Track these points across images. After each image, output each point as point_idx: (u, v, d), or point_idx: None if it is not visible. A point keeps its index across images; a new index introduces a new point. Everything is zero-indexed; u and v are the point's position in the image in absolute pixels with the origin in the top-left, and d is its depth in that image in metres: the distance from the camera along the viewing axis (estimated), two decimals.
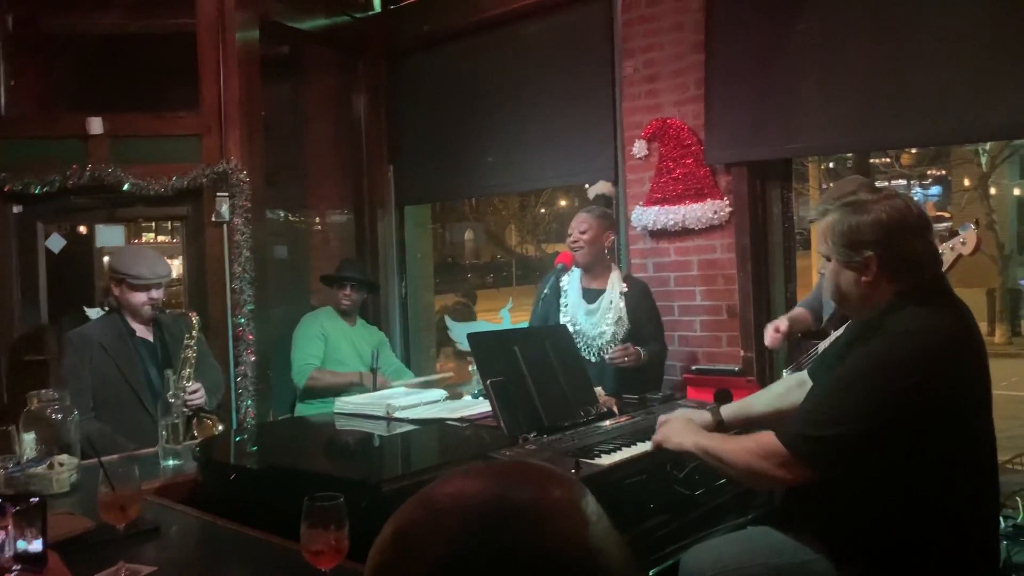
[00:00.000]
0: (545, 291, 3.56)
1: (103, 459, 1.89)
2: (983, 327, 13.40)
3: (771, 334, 3.10)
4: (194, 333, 3.31)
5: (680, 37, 4.00)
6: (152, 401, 3.25)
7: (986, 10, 3.18)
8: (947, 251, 2.45)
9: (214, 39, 4.44)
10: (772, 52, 3.68)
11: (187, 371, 3.23)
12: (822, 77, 3.57)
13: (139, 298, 3.31)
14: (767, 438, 1.83)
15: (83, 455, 2.47)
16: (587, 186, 4.11)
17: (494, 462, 0.91)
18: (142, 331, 3.38)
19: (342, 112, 5.51)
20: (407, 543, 0.70)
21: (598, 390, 2.88)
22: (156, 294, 3.33)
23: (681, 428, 2.10)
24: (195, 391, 3.22)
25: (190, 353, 3.26)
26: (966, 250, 2.48)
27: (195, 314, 3.41)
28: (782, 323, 3.10)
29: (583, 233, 3.52)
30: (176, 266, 4.94)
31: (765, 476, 1.84)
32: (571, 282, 3.61)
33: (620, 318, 3.50)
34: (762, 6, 3.72)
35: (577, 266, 3.58)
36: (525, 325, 4.17)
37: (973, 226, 2.50)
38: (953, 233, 2.51)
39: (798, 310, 3.26)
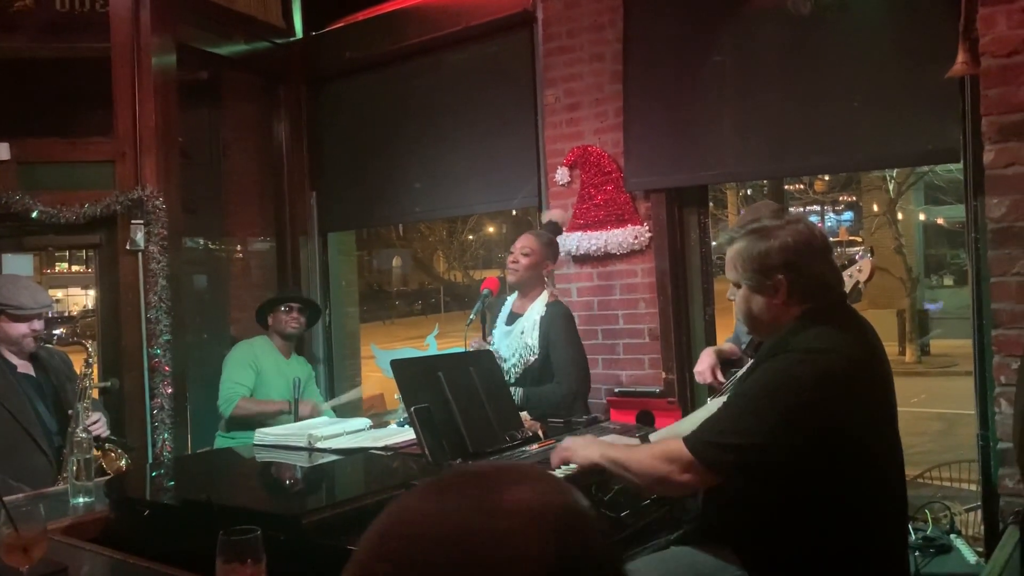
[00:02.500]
0: (471, 318, 3.57)
1: (5, 499, 1.81)
2: (894, 347, 14.01)
3: (706, 375, 3.11)
4: (90, 361, 3.15)
5: (599, 67, 4.09)
6: (46, 440, 3.07)
7: (887, 48, 3.35)
8: (846, 278, 2.55)
9: (129, 64, 4.33)
10: (688, 83, 3.80)
11: (86, 402, 3.06)
12: (736, 107, 3.70)
13: (20, 329, 3.10)
14: (673, 444, 1.88)
15: None
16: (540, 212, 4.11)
17: (510, 463, 0.95)
18: (22, 366, 3.17)
19: (263, 138, 5.44)
20: (485, 559, 0.67)
21: (523, 414, 2.89)
22: (38, 325, 3.14)
23: (586, 443, 2.10)
24: (95, 421, 3.05)
25: (88, 383, 3.09)
26: (862, 276, 2.60)
27: (90, 341, 3.27)
28: (716, 365, 3.12)
29: (525, 255, 3.46)
30: (91, 296, 4.77)
31: (669, 481, 1.88)
32: (506, 305, 3.65)
33: (528, 344, 3.40)
34: (678, 39, 3.84)
35: (512, 287, 3.58)
36: (454, 351, 4.13)
37: (870, 254, 2.62)
38: (851, 261, 2.63)
39: (726, 344, 3.33)
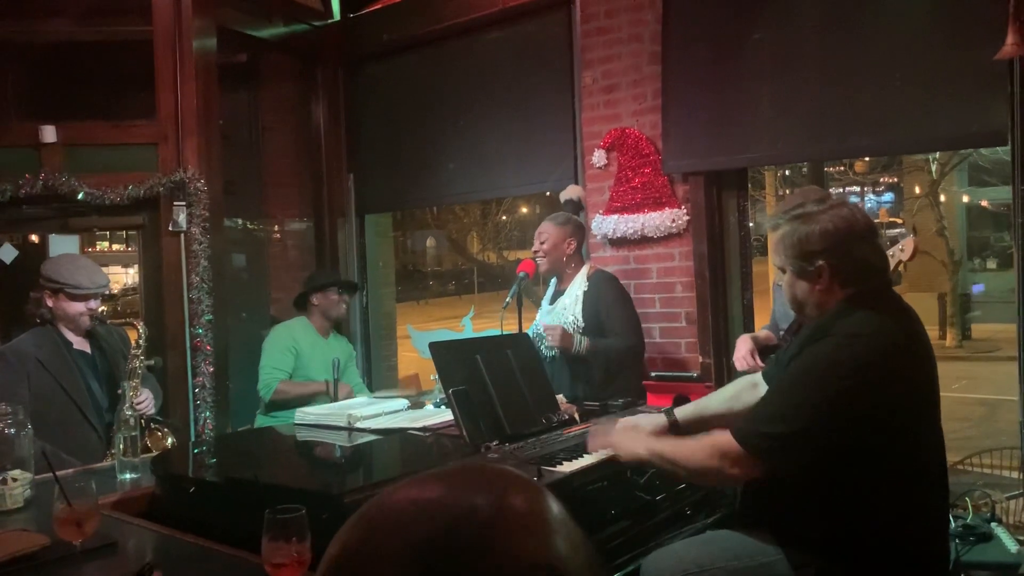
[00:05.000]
0: (508, 300, 3.59)
1: (58, 473, 1.86)
2: (935, 331, 13.76)
3: (747, 359, 3.12)
4: (141, 343, 3.21)
5: (638, 48, 4.05)
6: (97, 416, 3.16)
7: (933, 28, 3.28)
8: (888, 258, 2.54)
9: (171, 47, 4.39)
10: (727, 64, 3.75)
11: (135, 382, 3.12)
12: (776, 89, 3.64)
13: (77, 308, 3.19)
14: (721, 436, 1.88)
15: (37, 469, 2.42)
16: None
17: (445, 467, 0.82)
18: (79, 343, 3.26)
19: (301, 120, 5.48)
20: (350, 569, 0.63)
21: (560, 397, 2.91)
22: (95, 304, 3.23)
23: (631, 436, 2.11)
24: (142, 400, 3.11)
25: (137, 363, 3.15)
26: (905, 256, 2.58)
27: (141, 323, 3.33)
28: (753, 350, 3.13)
29: (542, 243, 3.58)
30: (131, 275, 4.86)
31: (719, 473, 1.88)
32: (550, 286, 3.73)
33: (574, 315, 3.50)
34: (717, 19, 3.79)
35: (544, 274, 3.66)
36: (489, 333, 4.18)
37: (912, 234, 2.59)
38: (893, 241, 2.61)
39: (762, 332, 3.32)
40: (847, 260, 1.91)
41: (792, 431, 1.79)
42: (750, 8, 3.69)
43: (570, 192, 3.90)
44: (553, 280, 3.71)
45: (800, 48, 3.58)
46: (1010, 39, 2.63)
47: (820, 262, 1.91)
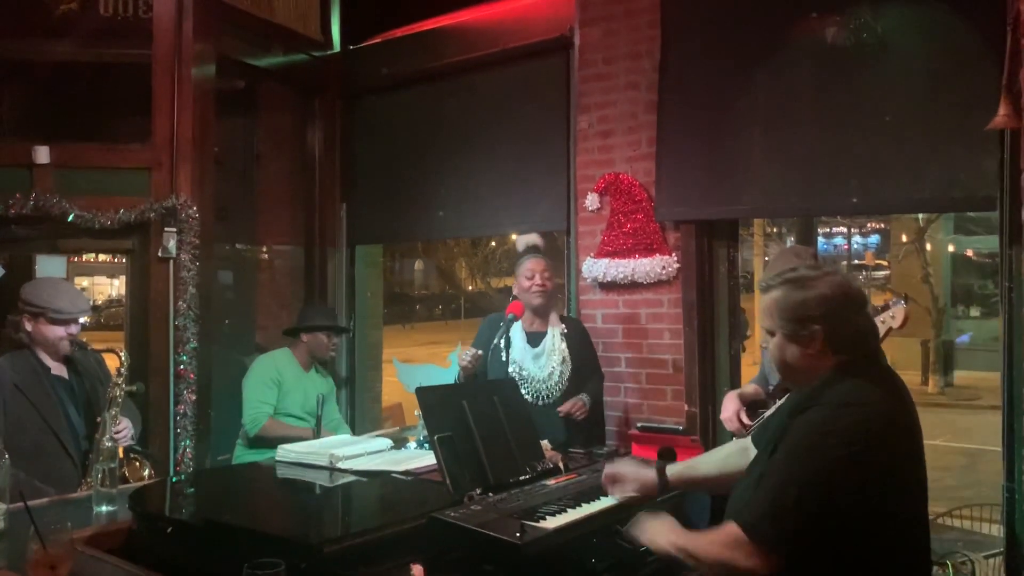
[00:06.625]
0: (497, 341, 3.56)
1: (30, 503, 1.84)
2: (917, 377, 13.85)
3: (733, 421, 3.13)
4: (122, 371, 3.19)
5: (634, 96, 4.09)
6: (73, 443, 3.13)
7: (927, 92, 3.33)
8: (879, 324, 2.56)
9: (169, 72, 4.39)
10: (722, 117, 3.79)
11: (114, 411, 3.10)
12: (770, 144, 3.69)
13: (57, 332, 3.17)
14: (729, 527, 1.82)
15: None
16: (514, 236, 4.21)
17: None
18: (56, 368, 3.23)
19: (296, 149, 5.49)
20: None
21: (544, 443, 2.90)
22: (75, 329, 3.21)
23: (656, 524, 2.04)
24: (121, 430, 3.09)
25: (117, 392, 3.13)
26: (896, 324, 2.61)
27: (123, 350, 3.30)
28: (740, 409, 3.14)
29: (548, 279, 3.70)
30: (117, 286, 4.84)
31: (737, 567, 1.81)
32: (514, 330, 3.68)
33: (564, 358, 3.64)
34: (714, 72, 3.83)
35: (535, 309, 3.70)
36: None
37: (903, 301, 2.63)
38: (884, 307, 2.64)
39: (750, 386, 3.33)
40: (840, 326, 1.91)
41: (799, 508, 1.76)
42: (748, 63, 3.74)
43: (531, 239, 3.91)
44: (518, 325, 3.68)
45: (795, 106, 3.62)
46: (1002, 111, 2.67)
47: (815, 326, 1.91)
